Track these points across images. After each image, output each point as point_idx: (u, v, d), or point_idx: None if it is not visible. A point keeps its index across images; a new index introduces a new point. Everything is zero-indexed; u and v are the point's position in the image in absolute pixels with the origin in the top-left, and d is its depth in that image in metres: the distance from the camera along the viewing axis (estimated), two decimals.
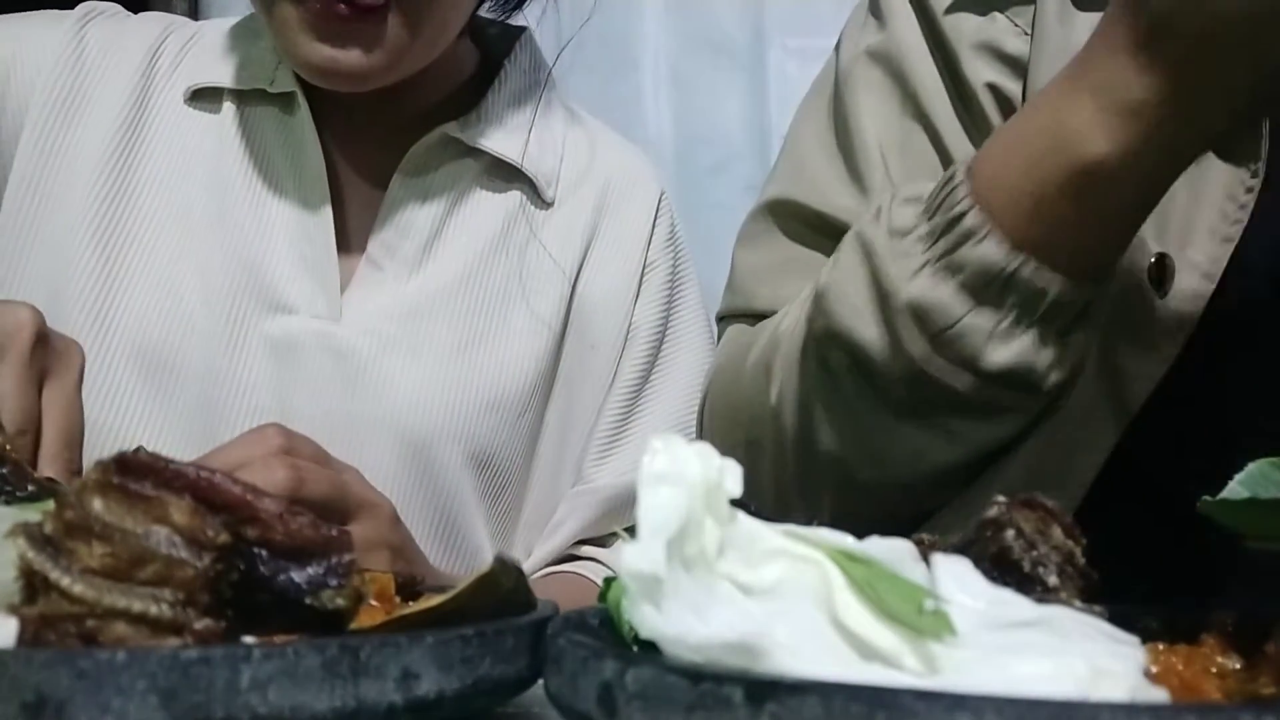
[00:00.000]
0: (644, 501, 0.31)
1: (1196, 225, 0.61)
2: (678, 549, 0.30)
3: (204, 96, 0.89)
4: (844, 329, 0.59)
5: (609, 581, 0.35)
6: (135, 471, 0.32)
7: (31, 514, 0.34)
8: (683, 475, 0.31)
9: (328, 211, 0.85)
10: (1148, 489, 0.63)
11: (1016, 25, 0.70)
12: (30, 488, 0.43)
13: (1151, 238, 0.61)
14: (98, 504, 0.31)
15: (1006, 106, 0.70)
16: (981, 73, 0.70)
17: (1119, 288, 0.61)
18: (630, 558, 0.29)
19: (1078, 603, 0.35)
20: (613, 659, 0.29)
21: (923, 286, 0.55)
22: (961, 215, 0.54)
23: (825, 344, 0.61)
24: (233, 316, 0.83)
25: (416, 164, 0.88)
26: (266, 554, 0.33)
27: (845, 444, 0.62)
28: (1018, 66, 0.69)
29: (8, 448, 0.44)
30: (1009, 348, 0.55)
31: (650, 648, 0.30)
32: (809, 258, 0.73)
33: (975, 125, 0.71)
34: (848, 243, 0.61)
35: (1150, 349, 0.61)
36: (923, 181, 0.60)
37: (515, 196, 0.91)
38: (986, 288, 0.54)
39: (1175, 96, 0.49)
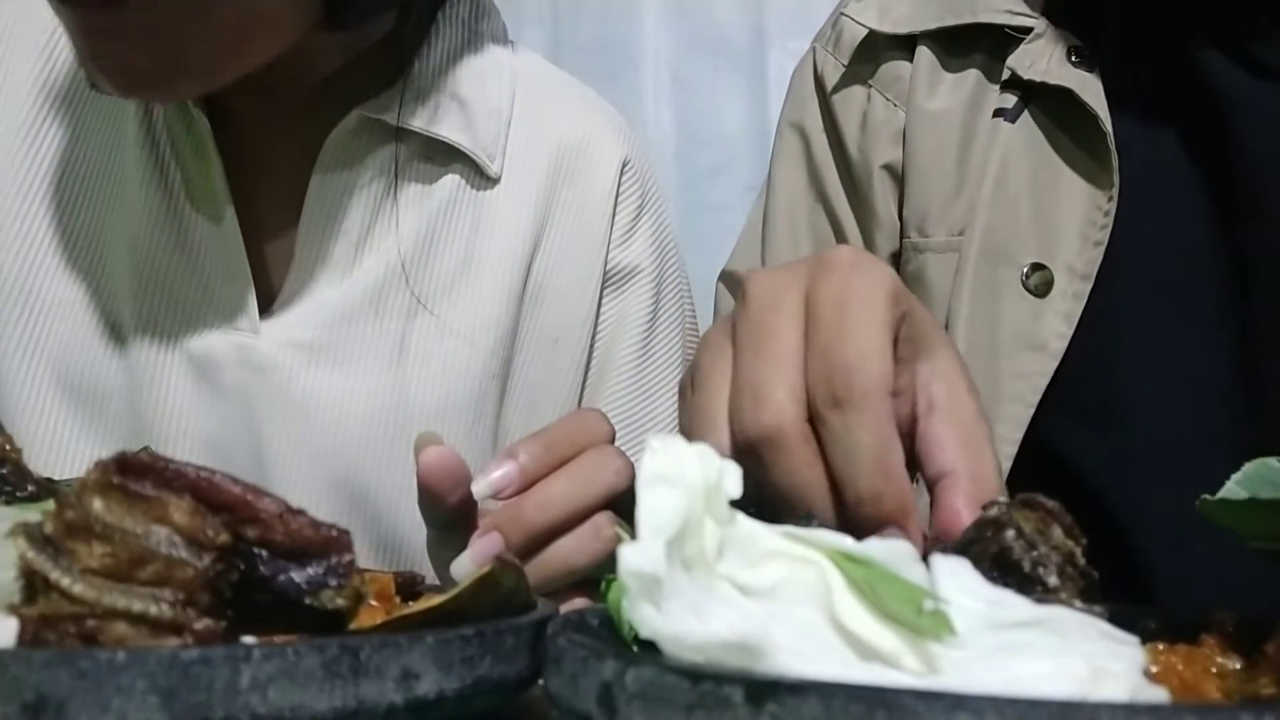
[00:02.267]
0: (643, 502, 0.31)
1: (1067, 234, 0.71)
2: (677, 549, 0.30)
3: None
4: None
5: (609, 582, 0.35)
6: (135, 471, 0.32)
7: (31, 514, 0.34)
8: (682, 476, 0.31)
9: (232, 215, 0.75)
10: (1058, 473, 0.70)
11: (887, 98, 0.80)
12: (30, 488, 0.43)
13: (1029, 251, 0.72)
14: (98, 504, 0.31)
15: (897, 178, 0.80)
16: (874, 155, 0.80)
17: (996, 303, 0.72)
18: (630, 557, 0.29)
19: (1078, 603, 0.35)
20: (613, 659, 0.28)
21: None
22: None
23: None
24: (153, 335, 0.75)
25: (336, 155, 0.76)
26: (266, 554, 0.33)
27: None
28: (898, 134, 0.80)
29: (8, 448, 0.44)
30: None
31: (650, 648, 0.30)
32: None
33: (863, 206, 0.81)
34: None
35: (1040, 349, 0.70)
36: None
37: (453, 179, 0.80)
38: None
39: None
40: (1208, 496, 0.39)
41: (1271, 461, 0.39)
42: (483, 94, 0.80)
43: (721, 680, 0.26)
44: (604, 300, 0.84)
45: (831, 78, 0.83)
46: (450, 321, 0.79)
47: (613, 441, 0.60)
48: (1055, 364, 0.70)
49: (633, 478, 0.59)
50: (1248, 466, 0.39)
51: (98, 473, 0.31)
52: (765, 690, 0.26)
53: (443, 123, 0.78)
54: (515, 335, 0.81)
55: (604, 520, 0.58)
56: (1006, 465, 0.69)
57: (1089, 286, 0.70)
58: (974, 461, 0.45)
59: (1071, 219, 0.71)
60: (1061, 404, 0.70)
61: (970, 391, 0.47)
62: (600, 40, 1.93)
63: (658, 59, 1.92)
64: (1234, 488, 0.39)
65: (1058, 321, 0.70)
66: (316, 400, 0.75)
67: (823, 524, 0.41)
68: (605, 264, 0.83)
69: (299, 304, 0.76)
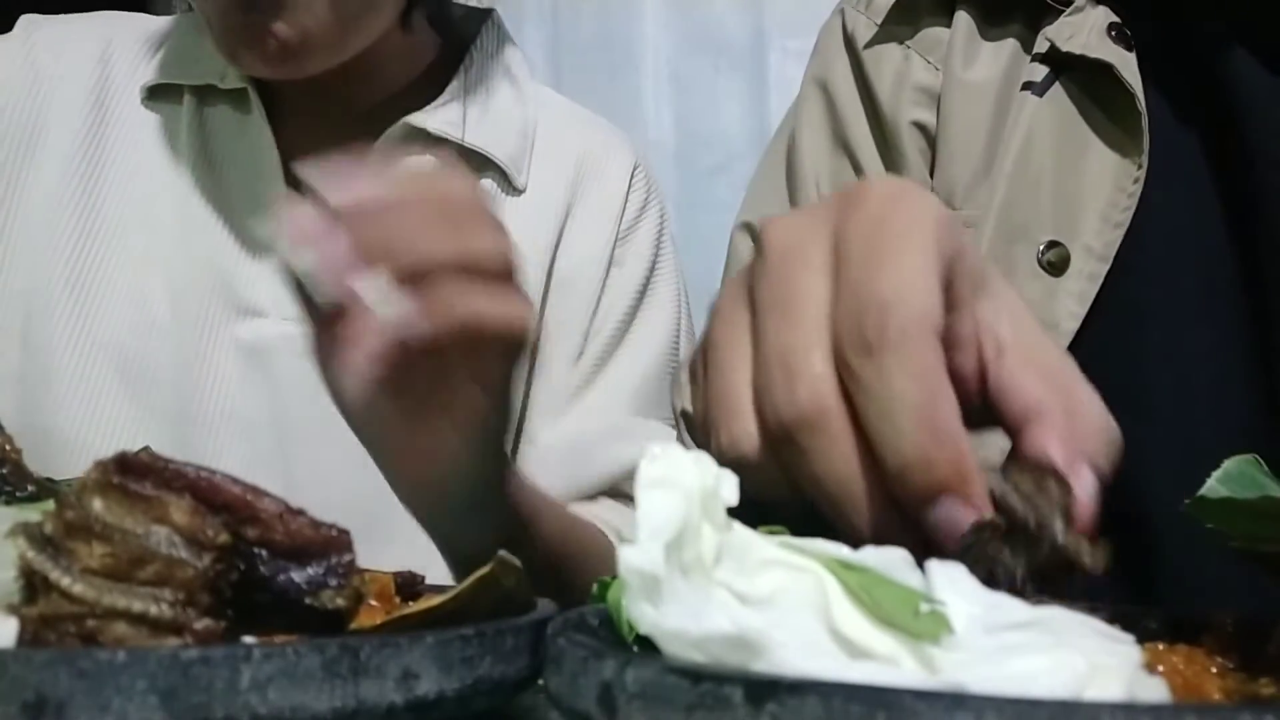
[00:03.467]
0: (642, 505, 0.31)
1: (1088, 213, 0.69)
2: (675, 553, 0.30)
3: (161, 94, 0.87)
4: None
5: (604, 583, 0.35)
6: (135, 471, 0.32)
7: (31, 514, 0.34)
8: (679, 481, 0.31)
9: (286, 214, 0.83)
10: None
11: (928, 61, 0.78)
12: (30, 488, 0.43)
13: (1046, 229, 0.70)
14: (98, 504, 0.31)
15: (928, 139, 0.78)
16: (905, 111, 0.78)
17: (1010, 280, 0.67)
18: (630, 556, 0.29)
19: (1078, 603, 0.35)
20: (613, 659, 0.28)
21: None
22: None
23: None
24: (202, 322, 0.82)
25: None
26: (266, 554, 0.33)
27: None
28: (932, 96, 0.78)
29: (8, 448, 0.44)
30: None
31: (650, 648, 0.29)
32: None
33: (895, 162, 0.79)
34: None
35: (1052, 328, 0.68)
36: None
37: (484, 184, 0.89)
38: None
39: None
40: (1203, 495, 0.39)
41: (1252, 459, 0.39)
42: (509, 115, 0.90)
43: (721, 680, 0.26)
44: (605, 286, 0.91)
45: (863, 36, 0.81)
46: None
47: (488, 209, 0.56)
48: (1066, 344, 0.68)
49: (510, 252, 0.53)
50: (1228, 464, 0.38)
51: (97, 473, 0.31)
52: (765, 690, 0.25)
53: (476, 135, 0.87)
54: (540, 324, 0.87)
55: (510, 284, 0.54)
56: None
57: (1105, 268, 0.69)
58: (1065, 397, 0.38)
59: (1094, 199, 0.70)
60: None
61: (1043, 329, 0.40)
62: (600, 39, 1.93)
63: (657, 58, 1.93)
64: (1214, 485, 0.38)
65: (1071, 301, 0.69)
66: None
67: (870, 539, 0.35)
68: (612, 253, 0.91)
69: None
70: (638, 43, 1.93)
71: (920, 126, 0.78)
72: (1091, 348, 0.68)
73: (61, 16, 0.92)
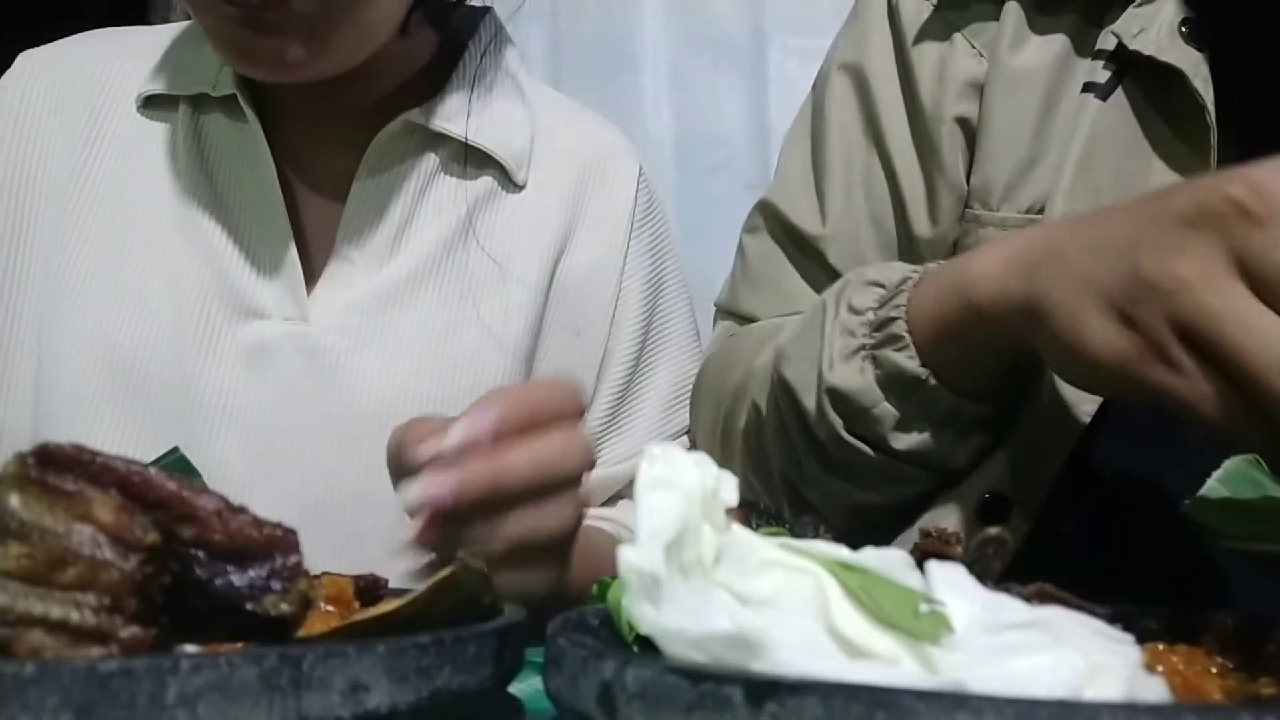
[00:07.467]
0: (642, 506, 0.31)
1: None
2: (675, 554, 0.30)
3: (156, 104, 0.88)
4: (792, 390, 0.67)
5: (604, 583, 0.35)
6: (57, 464, 0.29)
7: None
8: (680, 482, 0.32)
9: (283, 212, 0.84)
10: (1109, 486, 0.66)
11: (973, 47, 0.74)
12: None
13: None
14: (14, 500, 0.28)
15: (970, 135, 0.74)
16: (948, 107, 0.74)
17: None
18: (631, 556, 0.29)
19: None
20: (613, 659, 0.29)
21: (849, 372, 0.63)
22: (894, 320, 0.62)
23: (781, 396, 0.68)
24: (203, 324, 0.83)
25: (381, 154, 0.86)
26: (204, 555, 0.30)
27: (793, 475, 0.71)
28: (975, 87, 0.74)
29: None
30: (911, 436, 0.63)
31: (650, 648, 0.30)
32: (784, 273, 0.81)
33: (929, 155, 0.75)
34: (814, 309, 0.69)
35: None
36: (893, 265, 0.68)
37: (485, 182, 0.90)
38: (897, 386, 0.62)
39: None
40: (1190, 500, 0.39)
41: (1252, 459, 0.39)
42: (508, 111, 0.91)
43: (721, 680, 0.26)
44: (620, 300, 0.92)
45: (911, 19, 0.77)
46: (481, 311, 0.87)
47: (582, 415, 0.62)
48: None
49: (592, 463, 0.61)
50: (1227, 464, 0.39)
51: (15, 466, 0.29)
52: (765, 690, 0.26)
53: (477, 132, 0.88)
54: (540, 327, 0.89)
55: (575, 492, 0.59)
56: (1051, 475, 0.64)
57: None
58: None
59: None
60: (1117, 417, 0.64)
61: None
62: (600, 38, 1.91)
63: (657, 57, 1.91)
64: (1214, 485, 0.39)
65: None
66: (364, 380, 0.83)
67: None
68: (624, 262, 0.93)
69: (343, 292, 0.84)
70: (638, 42, 1.92)
71: (963, 122, 0.74)
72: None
73: (55, 46, 0.94)
